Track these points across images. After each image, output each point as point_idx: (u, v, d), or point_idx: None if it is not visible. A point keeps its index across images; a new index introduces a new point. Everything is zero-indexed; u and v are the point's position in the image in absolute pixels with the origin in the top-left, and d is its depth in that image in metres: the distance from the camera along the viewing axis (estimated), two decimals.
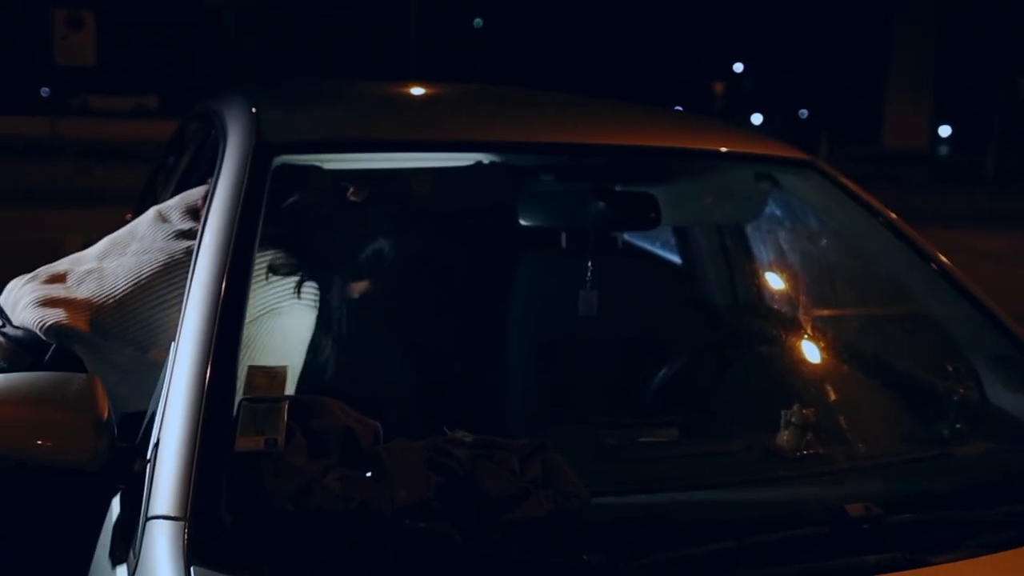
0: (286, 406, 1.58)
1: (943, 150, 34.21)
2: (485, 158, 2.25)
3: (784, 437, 1.88)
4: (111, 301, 2.05)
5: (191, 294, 1.78)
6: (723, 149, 2.38)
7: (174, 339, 1.74)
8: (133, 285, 2.06)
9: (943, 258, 2.28)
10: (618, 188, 2.31)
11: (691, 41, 43.54)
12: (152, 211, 2.31)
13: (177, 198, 2.34)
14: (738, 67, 45.03)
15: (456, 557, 1.46)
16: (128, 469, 1.66)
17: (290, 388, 1.91)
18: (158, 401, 1.68)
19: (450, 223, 2.94)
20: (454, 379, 2.79)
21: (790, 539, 1.52)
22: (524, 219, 2.30)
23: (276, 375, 1.64)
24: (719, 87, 41.41)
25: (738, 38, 43.25)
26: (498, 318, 2.67)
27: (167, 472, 1.53)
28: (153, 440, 1.61)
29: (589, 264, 2.34)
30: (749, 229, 3.19)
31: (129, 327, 2.02)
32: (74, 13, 18.42)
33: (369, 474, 1.55)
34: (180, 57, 40.91)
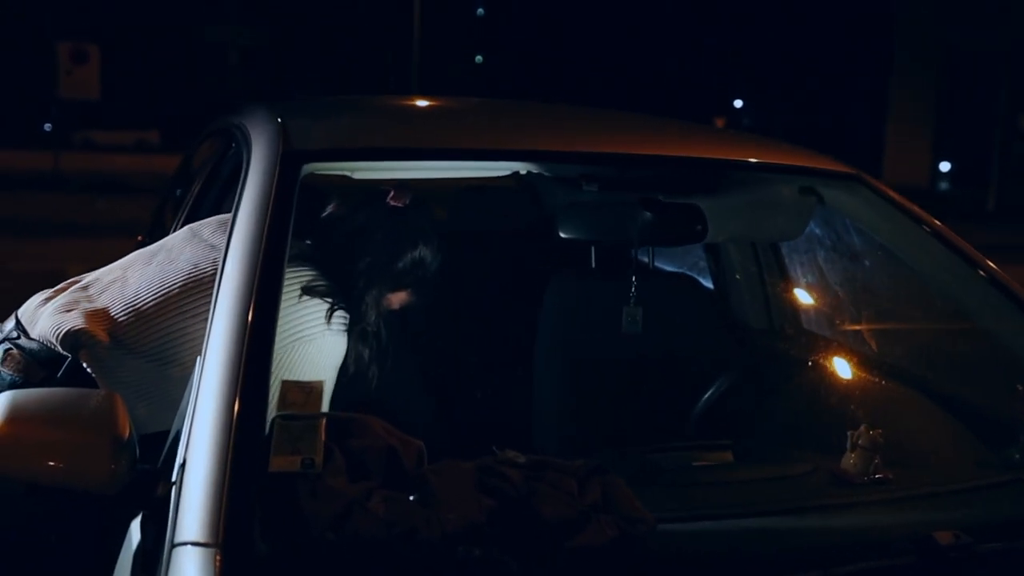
0: (323, 423, 1.46)
1: (943, 185, 34.25)
2: (523, 168, 2.14)
3: (851, 460, 1.75)
4: (132, 310, 1.93)
5: (218, 305, 1.65)
6: (770, 161, 2.27)
7: (199, 353, 1.62)
8: (156, 295, 1.94)
9: (1000, 272, 2.17)
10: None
11: (690, 76, 43.77)
12: (185, 228, 2.21)
13: (212, 218, 2.24)
14: (738, 103, 45.25)
15: None
16: (150, 493, 1.53)
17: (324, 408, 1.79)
18: (183, 420, 1.55)
19: (478, 241, 2.84)
20: (484, 401, 2.68)
21: (878, 569, 1.39)
22: (564, 231, 2.18)
23: (312, 391, 1.52)
24: (719, 123, 41.61)
25: (738, 74, 43.48)
26: (528, 339, 2.56)
27: (195, 495, 1.40)
28: (179, 461, 1.48)
29: (633, 279, 2.22)
30: (785, 248, 3.08)
31: (150, 339, 1.90)
32: (79, 46, 18.43)
33: (415, 497, 1.42)
34: (182, 92, 41.06)
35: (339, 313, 1.99)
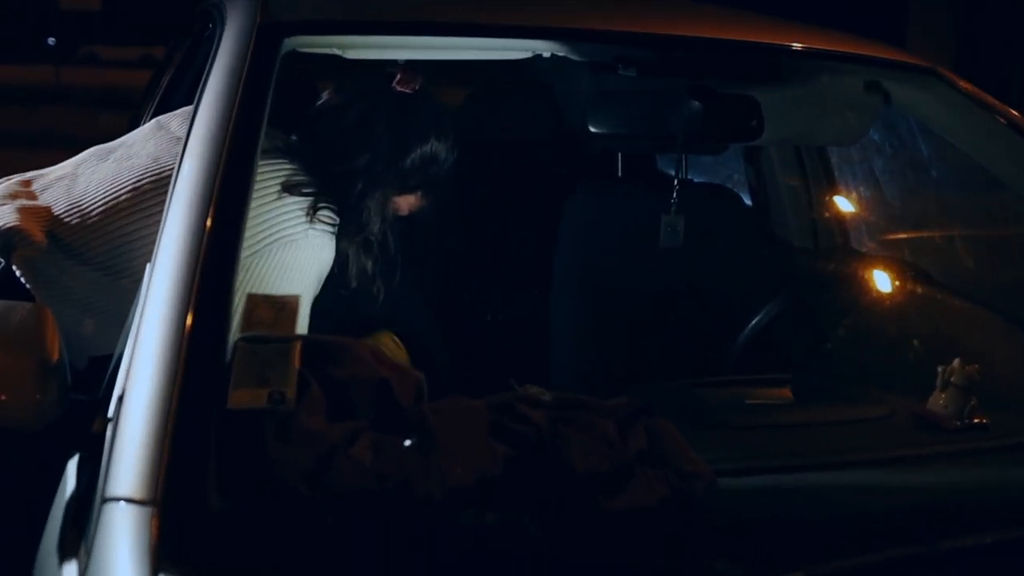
0: (298, 348, 1.16)
1: None
2: (546, 49, 1.80)
3: (941, 401, 1.45)
4: (79, 211, 1.61)
5: (173, 203, 1.34)
6: (837, 49, 1.93)
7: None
8: (109, 194, 1.63)
9: None
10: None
11: None
12: (151, 122, 1.88)
13: (183, 109, 1.91)
14: None
15: (533, 560, 1.05)
16: (85, 430, 1.24)
17: (303, 331, 1.49)
18: (127, 340, 1.25)
19: (490, 146, 2.52)
20: (495, 325, 2.38)
21: (997, 544, 1.10)
22: (595, 124, 1.85)
23: (285, 307, 1.21)
24: None
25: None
26: (545, 255, 2.25)
27: (132, 436, 1.10)
28: (117, 392, 1.19)
29: (676, 183, 1.89)
30: (835, 156, 2.74)
31: (99, 244, 1.59)
32: None
33: (411, 442, 1.12)
34: (189, 6, 40.03)
35: (325, 213, 1.67)
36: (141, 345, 1.19)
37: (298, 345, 1.15)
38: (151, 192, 1.61)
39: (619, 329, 2.17)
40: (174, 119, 1.83)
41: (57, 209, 1.62)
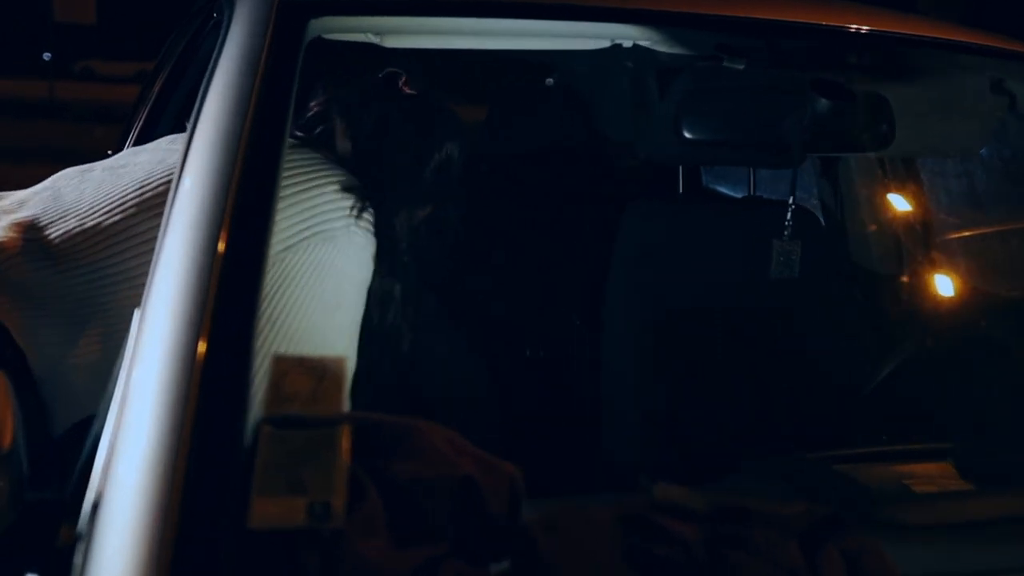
0: (347, 434, 0.82)
1: None
2: (627, 37, 1.46)
3: None
4: (72, 217, 1.28)
5: (170, 226, 1.01)
6: (973, 42, 1.60)
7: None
8: (111, 197, 1.30)
9: None
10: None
11: None
12: (137, 148, 1.56)
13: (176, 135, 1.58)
14: None
15: None
16: (45, 541, 0.89)
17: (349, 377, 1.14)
18: (104, 418, 0.91)
19: (531, 158, 2.19)
20: (536, 363, 2.05)
21: None
22: (690, 129, 1.50)
23: (327, 370, 0.87)
24: None
25: None
26: (594, 285, 1.92)
27: (111, 562, 0.76)
28: (91, 493, 0.84)
29: (791, 202, 1.56)
30: (925, 171, 2.40)
31: (97, 249, 1.26)
32: None
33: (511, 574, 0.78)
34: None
35: (367, 213, 1.34)
36: (125, 426, 0.86)
37: (347, 431, 0.81)
38: (163, 193, 1.28)
39: (687, 370, 1.83)
40: (167, 137, 1.52)
41: (44, 219, 1.28)
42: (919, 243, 2.36)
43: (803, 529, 0.83)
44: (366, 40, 1.42)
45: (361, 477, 0.79)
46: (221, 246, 0.94)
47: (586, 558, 0.78)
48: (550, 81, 2.21)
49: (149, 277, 0.97)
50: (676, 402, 1.73)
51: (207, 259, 0.92)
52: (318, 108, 1.45)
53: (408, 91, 1.51)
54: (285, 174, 1.24)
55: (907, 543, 1.05)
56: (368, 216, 1.33)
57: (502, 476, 0.84)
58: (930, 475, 1.23)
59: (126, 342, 0.95)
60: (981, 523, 1.11)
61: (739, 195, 2.74)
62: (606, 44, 1.48)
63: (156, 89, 2.38)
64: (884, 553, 0.83)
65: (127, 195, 1.28)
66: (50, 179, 1.41)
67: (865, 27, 1.50)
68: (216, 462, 0.80)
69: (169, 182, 1.15)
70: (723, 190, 2.86)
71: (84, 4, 17.77)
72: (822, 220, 2.49)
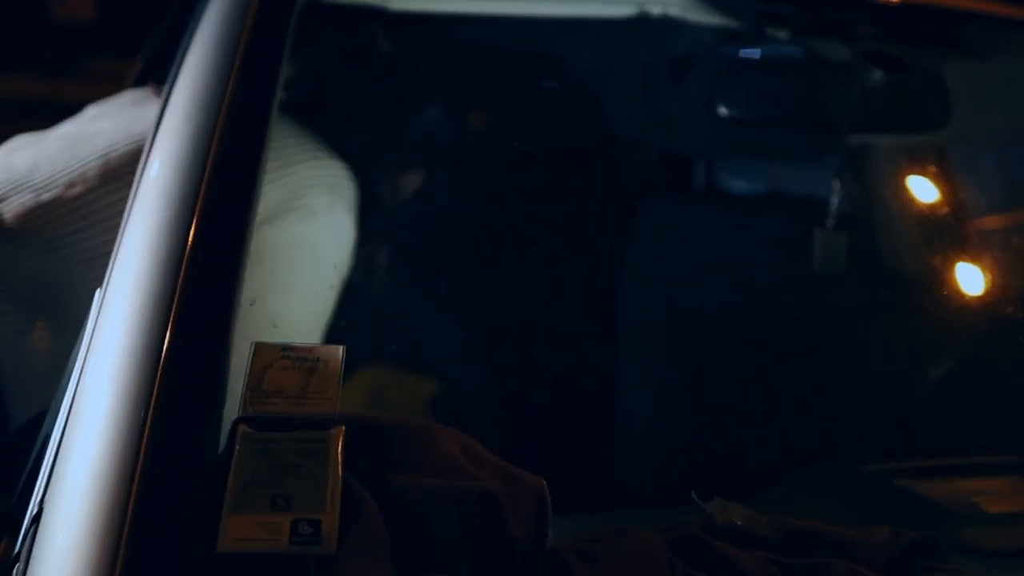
0: (341, 437, 0.68)
1: None
2: (656, 3, 1.33)
3: None
4: (25, 188, 1.15)
5: (137, 202, 0.87)
6: None
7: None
8: (70, 167, 1.16)
9: None
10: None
11: None
12: (101, 105, 1.42)
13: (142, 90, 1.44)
14: None
15: None
16: None
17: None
18: (55, 416, 0.77)
19: (539, 152, 2.05)
20: (544, 366, 1.91)
21: None
22: (728, 106, 1.36)
23: (319, 361, 0.73)
24: None
25: None
26: (609, 285, 1.78)
27: None
28: (34, 502, 0.71)
29: (837, 184, 1.41)
30: (957, 165, 2.25)
31: (54, 224, 1.13)
32: None
33: None
34: None
35: (349, 183, 1.22)
36: (75, 426, 0.72)
37: (341, 435, 0.67)
38: (128, 165, 1.14)
39: (711, 377, 1.69)
40: (135, 94, 1.38)
41: None
42: (958, 238, 2.21)
43: (886, 557, 0.69)
44: (369, 2, 1.29)
45: (357, 491, 0.65)
46: (193, 226, 0.80)
47: None
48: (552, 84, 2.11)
49: (112, 256, 0.84)
50: (699, 413, 1.59)
51: (177, 239, 0.78)
52: (310, 77, 1.32)
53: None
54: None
55: (981, 570, 0.91)
56: (352, 194, 1.21)
57: (527, 490, 0.70)
58: (999, 492, 1.09)
59: (84, 328, 0.81)
60: None
61: (760, 190, 2.60)
62: (632, 11, 1.34)
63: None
64: None
65: (88, 166, 1.14)
66: (1, 148, 1.27)
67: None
68: (180, 472, 0.66)
69: (135, 152, 1.02)
70: (740, 186, 2.72)
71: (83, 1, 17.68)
72: (852, 213, 2.35)
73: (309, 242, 1.13)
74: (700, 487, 1.37)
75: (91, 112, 1.34)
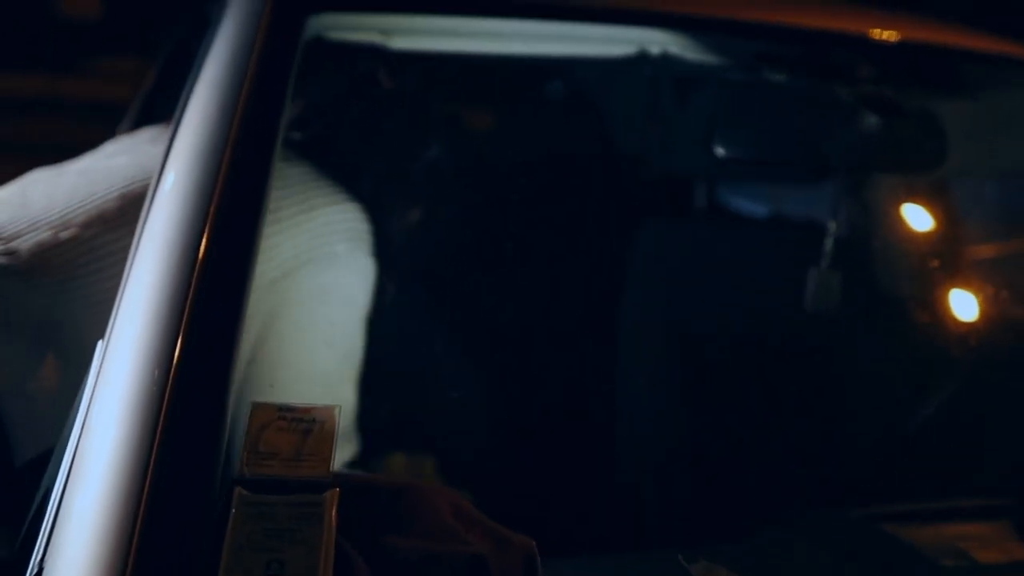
0: (335, 500, 0.69)
1: None
2: (655, 43, 1.34)
3: None
4: (42, 226, 1.16)
5: (141, 247, 0.88)
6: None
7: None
8: (85, 204, 1.17)
9: None
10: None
11: None
12: (115, 142, 1.43)
13: (155, 127, 1.45)
14: None
15: None
16: None
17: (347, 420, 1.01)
18: (58, 467, 0.79)
19: (537, 168, 2.06)
20: (543, 386, 1.91)
21: None
22: (725, 146, 1.37)
23: (314, 423, 0.75)
24: None
25: None
26: (606, 306, 1.78)
27: None
28: (37, 553, 0.72)
29: (833, 226, 1.43)
30: (960, 190, 2.26)
31: (59, 275, 1.13)
32: None
33: None
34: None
35: (366, 225, 1.23)
36: (77, 479, 0.73)
37: (335, 498, 0.69)
38: (122, 223, 1.15)
39: (712, 400, 1.70)
40: (148, 132, 1.39)
41: (10, 229, 1.15)
42: (957, 268, 2.22)
43: None
44: (371, 41, 1.30)
45: (351, 555, 0.67)
46: (197, 271, 0.82)
47: None
48: (557, 87, 2.11)
49: (115, 303, 0.85)
50: (698, 443, 1.60)
51: (179, 288, 0.80)
52: (315, 114, 1.33)
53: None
54: (282, 192, 1.12)
55: None
56: (370, 236, 1.21)
57: (516, 552, 0.72)
58: (989, 538, 1.10)
59: (87, 377, 0.82)
60: None
61: (760, 212, 2.61)
62: (632, 51, 1.36)
63: (148, 90, 2.26)
64: None
65: (106, 203, 1.15)
66: (16, 182, 1.28)
67: (918, 39, 1.38)
68: (177, 534, 0.67)
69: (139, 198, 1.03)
70: (743, 206, 2.73)
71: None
72: (850, 244, 2.36)
73: (333, 290, 1.14)
74: (694, 508, 1.37)
75: (109, 148, 1.35)
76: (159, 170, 0.98)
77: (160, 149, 1.04)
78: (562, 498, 1.36)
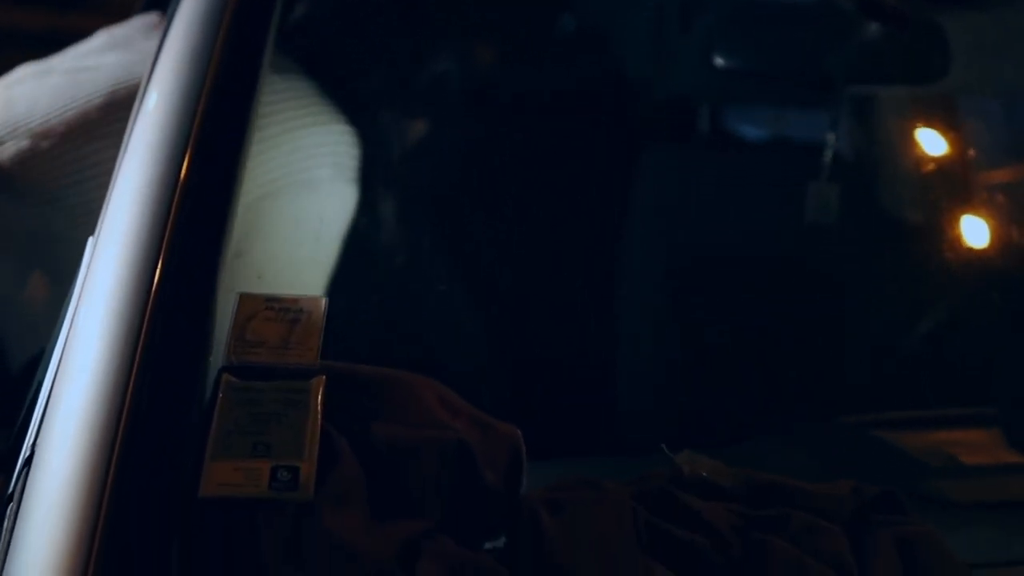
0: (321, 387, 0.70)
1: None
2: None
3: None
4: (22, 132, 1.15)
5: (131, 146, 0.88)
6: None
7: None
8: (67, 111, 1.16)
9: None
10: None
11: None
12: (104, 33, 1.39)
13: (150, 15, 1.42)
14: None
15: None
16: None
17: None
18: (49, 358, 0.80)
19: (532, 97, 2.04)
20: (540, 320, 1.91)
21: None
22: (725, 55, 1.36)
23: (301, 313, 0.75)
24: None
25: None
26: (607, 236, 1.78)
27: (40, 528, 0.65)
28: (25, 449, 0.73)
29: (831, 137, 1.42)
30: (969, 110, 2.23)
31: (52, 174, 1.13)
32: None
33: (509, 558, 0.67)
34: None
35: (353, 150, 1.22)
36: (66, 371, 0.74)
37: (321, 385, 0.70)
38: (127, 107, 1.14)
39: (712, 325, 1.70)
40: (138, 25, 1.35)
41: None
42: (961, 190, 2.20)
43: (850, 511, 0.71)
44: None
45: (335, 439, 0.68)
46: (183, 174, 0.82)
47: (597, 540, 0.67)
48: (566, 21, 2.07)
49: (105, 202, 0.86)
50: (696, 358, 1.61)
51: (166, 189, 0.80)
52: (310, 22, 1.31)
53: None
54: (268, 108, 1.11)
55: (956, 522, 0.93)
56: (356, 162, 1.21)
57: (501, 440, 0.73)
58: (978, 444, 1.11)
59: (76, 276, 0.83)
60: None
61: (762, 135, 2.59)
62: None
63: None
64: (943, 540, 0.71)
65: (88, 110, 1.14)
66: (3, 79, 1.26)
67: None
68: (165, 417, 0.68)
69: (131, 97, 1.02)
70: (747, 131, 2.70)
71: None
72: (854, 163, 2.33)
73: (311, 218, 1.13)
74: (698, 427, 1.39)
75: (101, 39, 1.31)
76: (147, 74, 0.97)
77: (151, 45, 1.03)
78: (554, 411, 1.37)
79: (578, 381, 1.61)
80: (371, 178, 1.49)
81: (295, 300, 0.75)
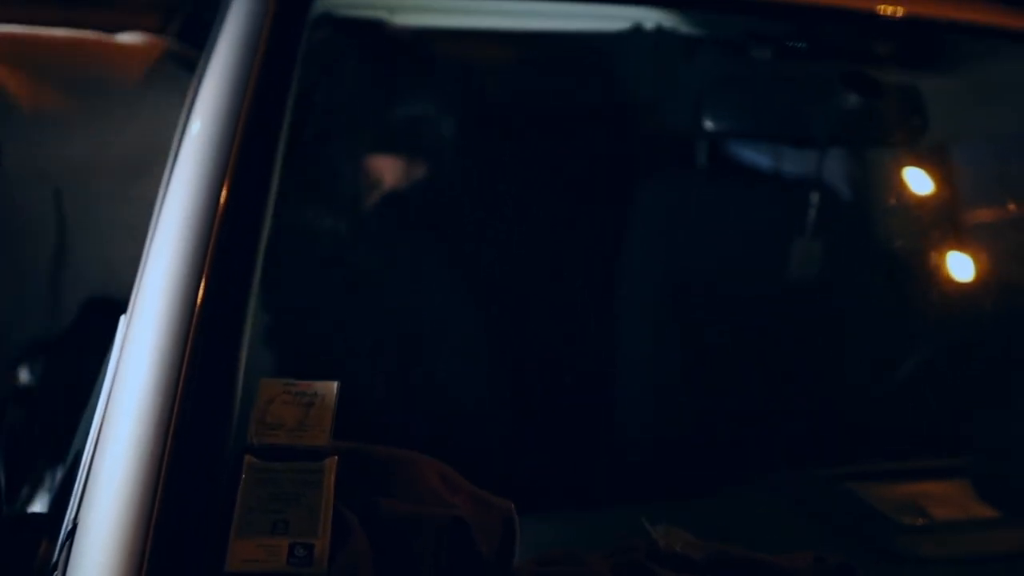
0: (334, 467, 0.78)
1: None
2: (650, 18, 1.39)
3: None
4: None
5: (157, 236, 0.96)
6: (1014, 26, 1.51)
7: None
8: None
9: None
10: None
11: None
12: None
13: None
14: None
15: None
16: (27, 560, 0.86)
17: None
18: (85, 434, 0.88)
19: (533, 123, 2.10)
20: (535, 350, 1.97)
21: None
22: (712, 120, 1.43)
23: (315, 397, 0.83)
24: None
25: None
26: (604, 263, 1.84)
27: None
28: (70, 513, 0.81)
29: (815, 199, 1.49)
30: (958, 154, 2.30)
31: None
32: None
33: None
34: None
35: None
36: (105, 447, 0.82)
37: (333, 465, 0.77)
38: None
39: (705, 365, 1.76)
40: None
41: None
42: (949, 230, 2.27)
43: None
44: (375, 17, 1.36)
45: (346, 516, 0.76)
46: (200, 296, 0.89)
47: None
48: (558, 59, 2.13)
49: (135, 284, 0.93)
50: (689, 393, 1.68)
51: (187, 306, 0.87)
52: (323, 89, 1.39)
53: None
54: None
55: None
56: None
57: (496, 515, 0.80)
58: (948, 497, 1.18)
59: (110, 353, 0.91)
60: (1006, 556, 1.06)
61: (761, 164, 2.65)
62: (626, 26, 1.41)
63: None
64: None
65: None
66: None
67: (901, 11, 1.42)
68: (195, 495, 0.76)
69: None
70: (749, 159, 2.76)
71: None
72: (849, 203, 2.40)
73: None
74: (686, 469, 1.45)
75: None
76: (173, 157, 1.04)
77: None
78: (553, 436, 1.43)
79: (577, 408, 1.68)
80: (380, 214, 1.56)
81: (310, 385, 0.82)
